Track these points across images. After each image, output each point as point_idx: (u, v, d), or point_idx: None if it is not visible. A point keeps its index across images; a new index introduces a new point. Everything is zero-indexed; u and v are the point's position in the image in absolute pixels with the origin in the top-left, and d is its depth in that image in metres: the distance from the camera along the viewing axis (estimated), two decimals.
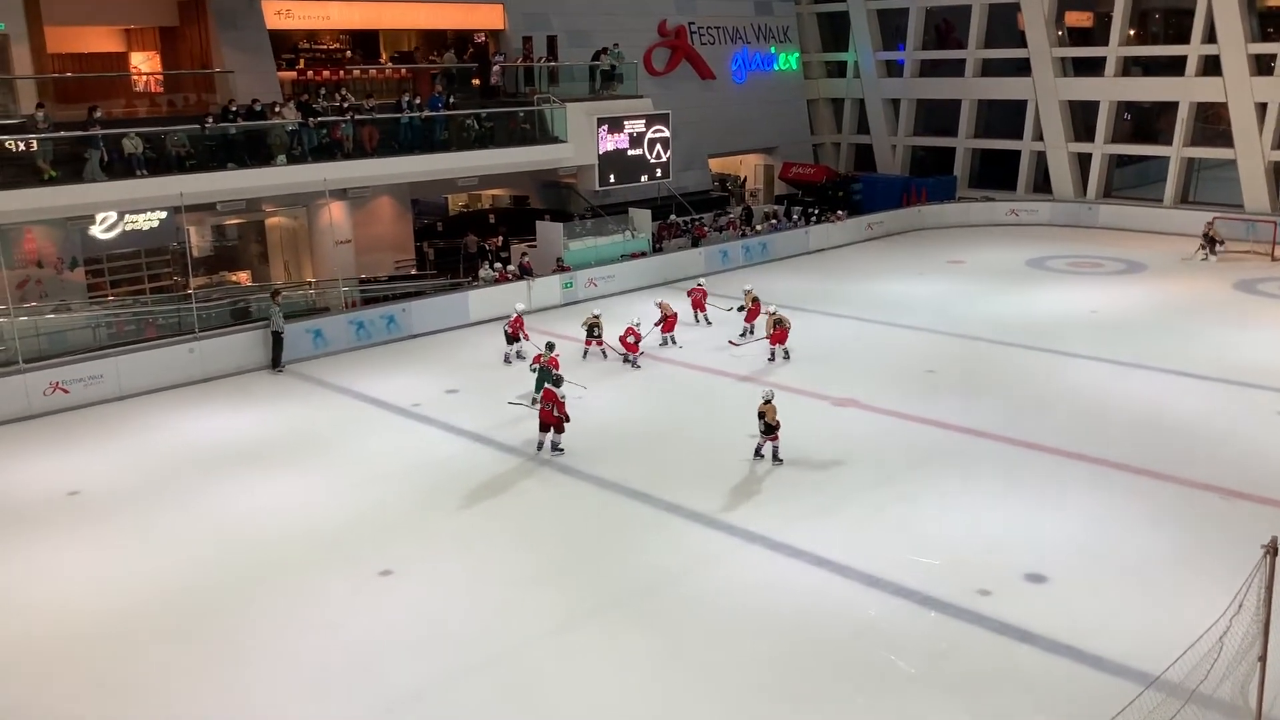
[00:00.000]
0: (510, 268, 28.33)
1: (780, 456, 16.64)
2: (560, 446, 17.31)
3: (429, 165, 27.69)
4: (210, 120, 24.22)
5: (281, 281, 27.69)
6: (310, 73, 29.67)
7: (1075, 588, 12.57)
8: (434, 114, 27.74)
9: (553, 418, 17.18)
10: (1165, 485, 15.41)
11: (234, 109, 24.61)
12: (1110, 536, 13.89)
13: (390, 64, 32.24)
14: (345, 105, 26.59)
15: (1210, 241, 31.08)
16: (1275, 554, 6.69)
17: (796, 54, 43.17)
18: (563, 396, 17.23)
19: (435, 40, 32.79)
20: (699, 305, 25.60)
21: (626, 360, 22.25)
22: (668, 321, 23.50)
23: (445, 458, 17.36)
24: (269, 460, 17.37)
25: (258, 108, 25.04)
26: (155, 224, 23.64)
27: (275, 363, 22.45)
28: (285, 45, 29.61)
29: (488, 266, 28.08)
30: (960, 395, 19.65)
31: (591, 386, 20.59)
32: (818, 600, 12.47)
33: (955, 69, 41.51)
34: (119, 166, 22.41)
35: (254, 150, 24.66)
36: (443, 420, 19.06)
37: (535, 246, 29.96)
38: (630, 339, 22.29)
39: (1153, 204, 37.21)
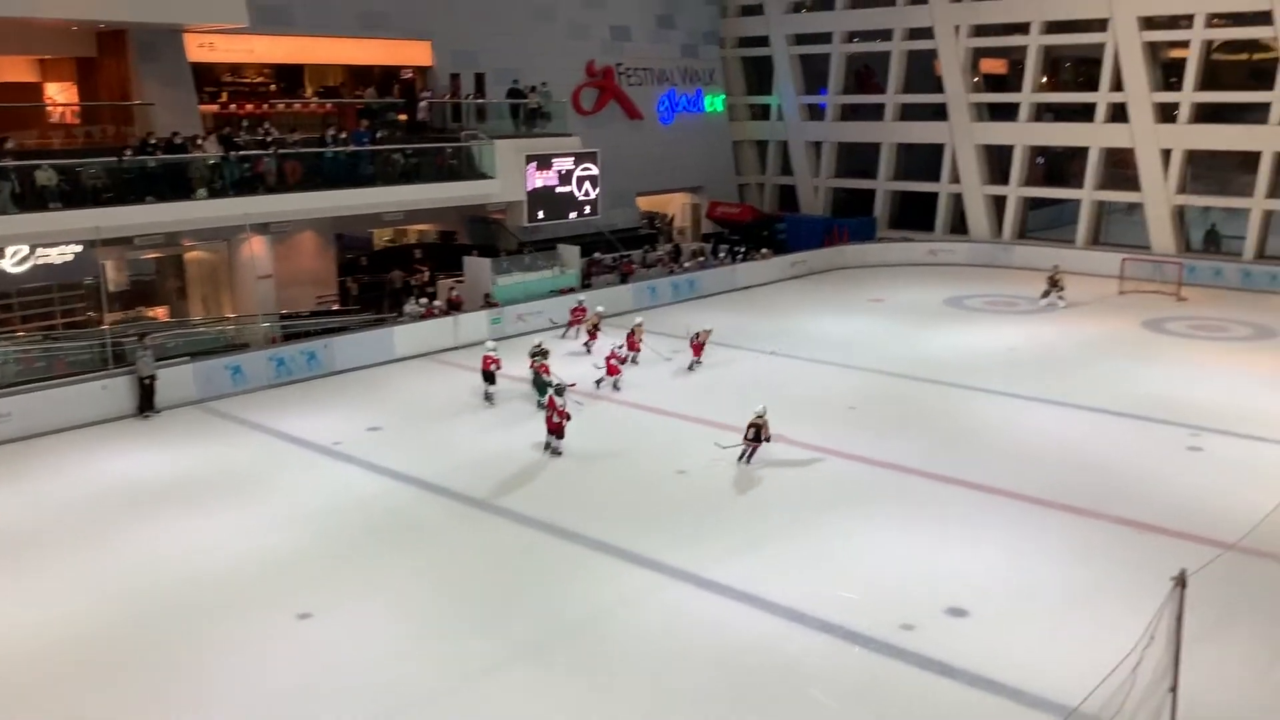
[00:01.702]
0: (437, 303, 28.14)
1: (749, 461, 18.08)
2: (559, 450, 18.67)
3: (354, 200, 27.47)
4: (128, 152, 23.73)
5: (198, 317, 27.11)
6: (233, 106, 29.28)
7: (995, 621, 12.78)
8: (359, 149, 27.54)
9: (552, 423, 18.49)
10: (1081, 519, 15.78)
11: (153, 141, 24.16)
12: (1029, 570, 14.16)
13: (315, 99, 31.99)
14: (268, 139, 26.28)
15: (1054, 284, 31.65)
16: (1184, 586, 6.88)
17: (722, 96, 43.85)
18: (563, 404, 18.52)
19: (362, 76, 32.64)
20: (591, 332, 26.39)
21: (599, 383, 22.75)
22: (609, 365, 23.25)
23: (367, 497, 17.07)
24: (184, 500, 16.91)
25: (178, 140, 24.64)
26: (70, 258, 23.04)
27: (143, 408, 21.44)
28: (208, 78, 29.20)
29: (414, 302, 27.85)
30: (882, 431, 19.93)
31: (516, 424, 20.51)
32: (743, 636, 12.48)
33: (875, 113, 42.50)
34: (31, 199, 21.81)
35: (174, 184, 24.23)
36: (364, 459, 18.76)
37: (463, 282, 29.82)
38: (613, 361, 22.81)
39: (1065, 245, 38.36)
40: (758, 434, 18.15)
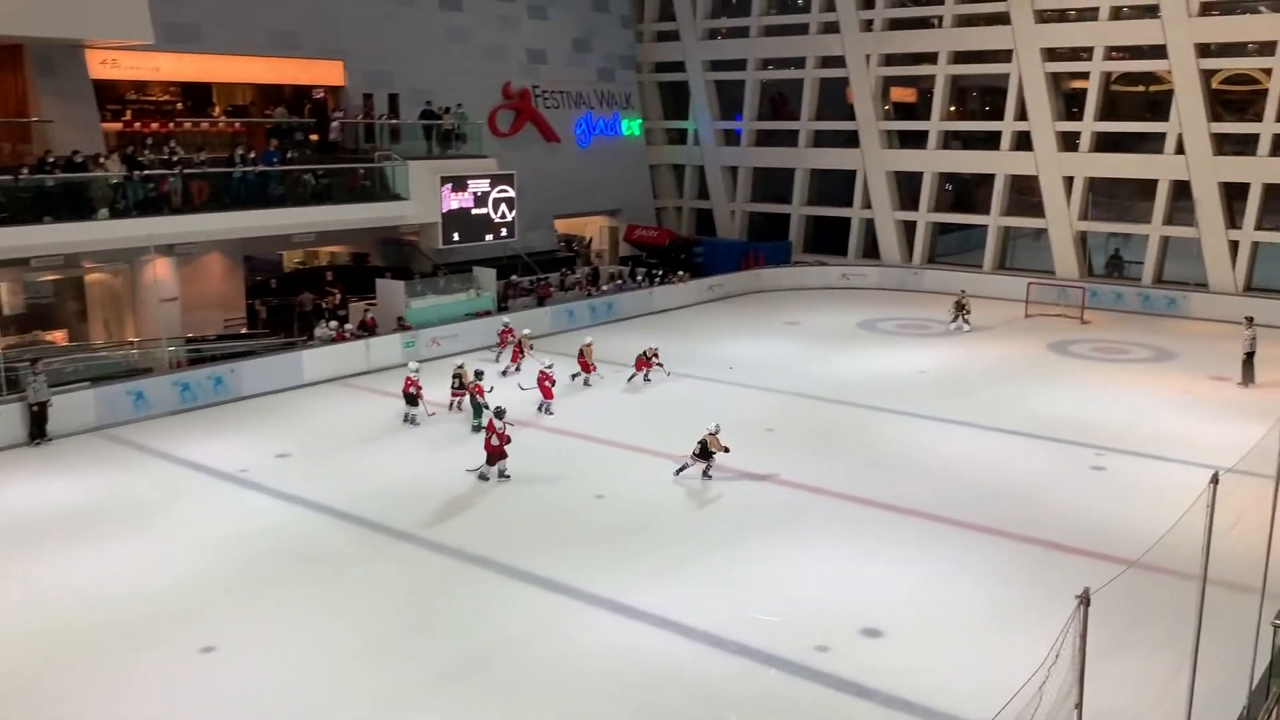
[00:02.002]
0: (348, 326, 27.67)
1: (710, 474, 18.48)
2: (505, 473, 18.21)
3: (262, 221, 26.91)
4: (25, 171, 22.92)
5: (100, 340, 26.23)
6: (138, 124, 28.50)
7: (909, 641, 12.90)
8: (269, 169, 27.02)
9: (491, 446, 18.05)
10: (990, 539, 16.07)
11: (52, 160, 23.36)
12: (941, 590, 14.34)
13: (224, 118, 31.33)
14: (174, 158, 25.63)
15: (960, 309, 32.39)
16: (1088, 604, 7.00)
17: (639, 120, 44.12)
18: (502, 426, 18.14)
19: (272, 95, 32.08)
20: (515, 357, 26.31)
21: (540, 408, 22.57)
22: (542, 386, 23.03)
23: (274, 526, 16.60)
24: (78, 531, 16.24)
25: (78, 159, 23.88)
26: None
27: (34, 436, 20.59)
28: (111, 96, 28.39)
29: (325, 325, 27.33)
30: (798, 453, 20.09)
31: (431, 449, 20.23)
32: (661, 662, 12.40)
33: (789, 139, 43.18)
34: None
35: (73, 203, 23.47)
36: (273, 486, 18.27)
37: (375, 304, 29.38)
38: (547, 384, 22.60)
39: (973, 269, 39.34)
40: (704, 450, 18.33)
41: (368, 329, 27.25)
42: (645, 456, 19.71)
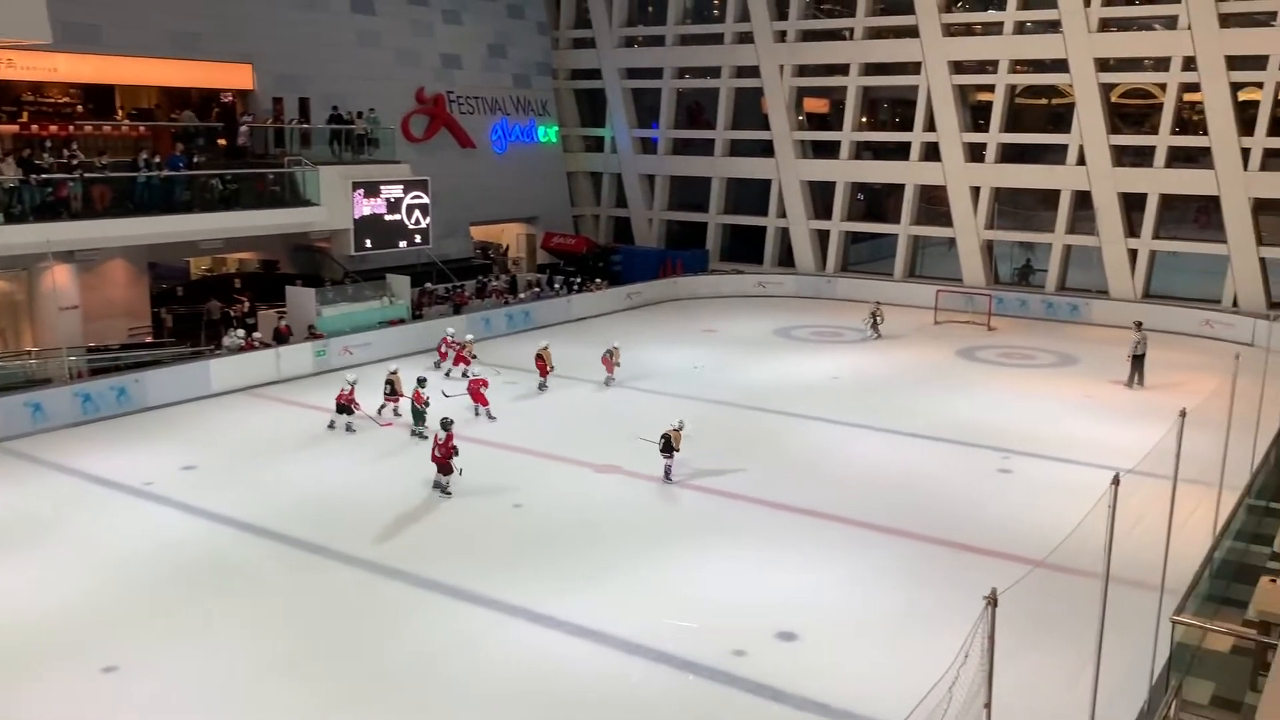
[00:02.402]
0: (257, 335, 27.07)
1: (672, 478, 18.68)
2: (448, 490, 17.82)
3: (168, 227, 26.20)
4: None
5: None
6: (35, 127, 27.49)
7: (823, 644, 13.06)
8: (174, 174, 26.31)
9: (435, 457, 17.70)
10: (903, 541, 16.35)
11: None
12: (855, 592, 14.55)
13: (127, 121, 30.41)
14: (74, 162, 24.80)
15: (873, 318, 32.98)
16: (995, 604, 7.15)
17: (555, 127, 44.03)
18: (444, 438, 17.76)
19: (178, 98, 31.25)
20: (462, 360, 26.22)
21: (478, 413, 22.42)
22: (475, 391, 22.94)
23: (181, 540, 16.14)
24: None
25: None
26: None
27: None
28: (6, 97, 27.37)
29: (233, 334, 26.69)
30: (717, 460, 20.19)
31: (343, 460, 19.89)
32: (581, 671, 12.35)
33: (705, 148, 43.50)
34: None
35: None
36: (179, 500, 17.76)
37: (286, 313, 28.79)
38: (481, 389, 22.54)
39: (884, 277, 40.06)
40: (668, 445, 18.70)
41: (282, 337, 26.68)
42: (563, 465, 19.64)
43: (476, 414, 22.46)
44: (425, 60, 37.79)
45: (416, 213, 32.50)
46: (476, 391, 22.60)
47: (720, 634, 13.14)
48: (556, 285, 36.98)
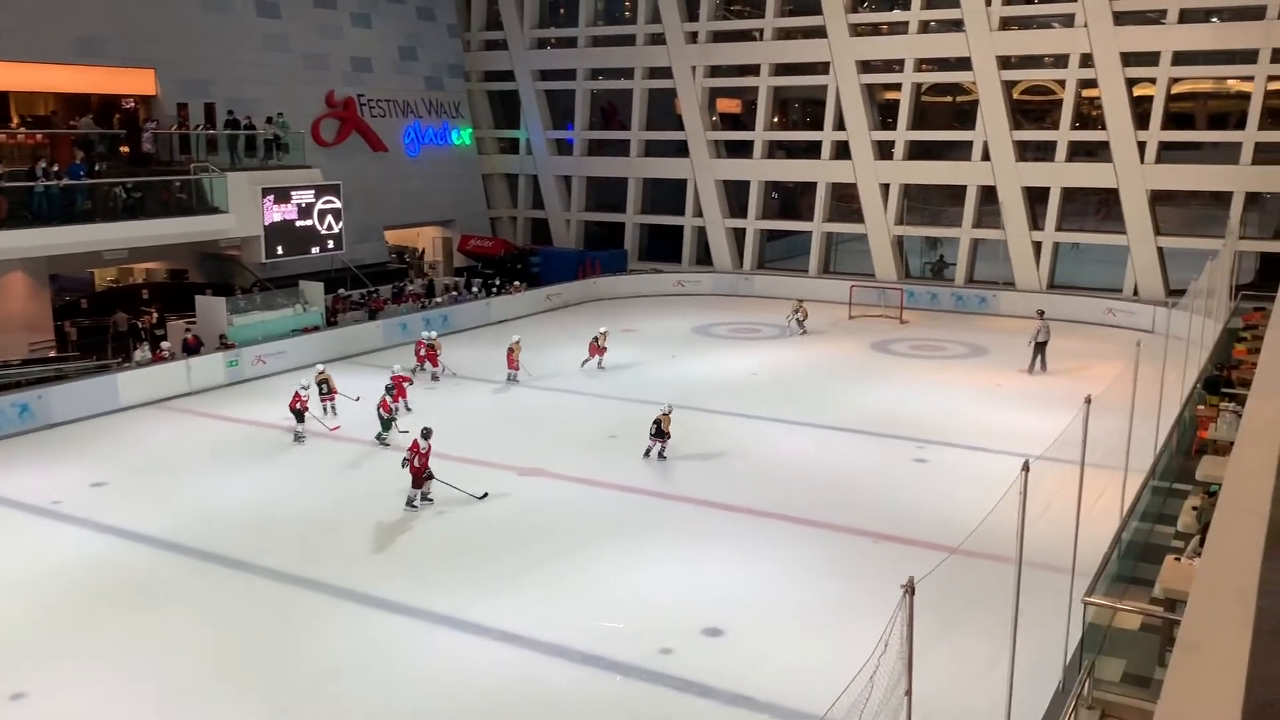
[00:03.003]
0: (166, 345, 26.39)
1: (665, 455, 19.81)
2: (414, 502, 17.48)
3: (68, 238, 25.36)
4: None
5: None
6: None
7: (749, 639, 13.19)
8: (74, 182, 25.50)
9: (414, 467, 17.39)
10: (822, 533, 16.60)
11: None
12: (778, 586, 14.73)
13: (23, 128, 29.35)
14: None
15: (795, 313, 33.61)
16: (913, 593, 7.30)
17: (469, 130, 43.70)
18: (426, 447, 17.55)
19: (78, 104, 30.28)
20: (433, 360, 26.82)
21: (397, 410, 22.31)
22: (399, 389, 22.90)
23: (91, 559, 15.67)
24: None
25: None
26: None
27: None
28: None
29: (141, 350, 25.93)
30: (637, 459, 20.26)
31: (259, 471, 19.50)
32: (507, 676, 12.30)
33: (621, 149, 43.59)
34: None
35: None
36: (89, 518, 17.24)
37: (195, 323, 28.09)
38: (405, 385, 22.70)
39: (799, 274, 40.59)
40: (659, 429, 19.58)
41: (191, 349, 26.04)
42: (483, 469, 19.50)
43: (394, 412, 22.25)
44: (334, 63, 37.21)
45: (329, 218, 31.98)
46: (400, 386, 22.69)
47: (646, 633, 13.20)
48: (475, 288, 36.74)
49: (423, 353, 27.18)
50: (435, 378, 26.51)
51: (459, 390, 25.13)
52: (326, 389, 22.95)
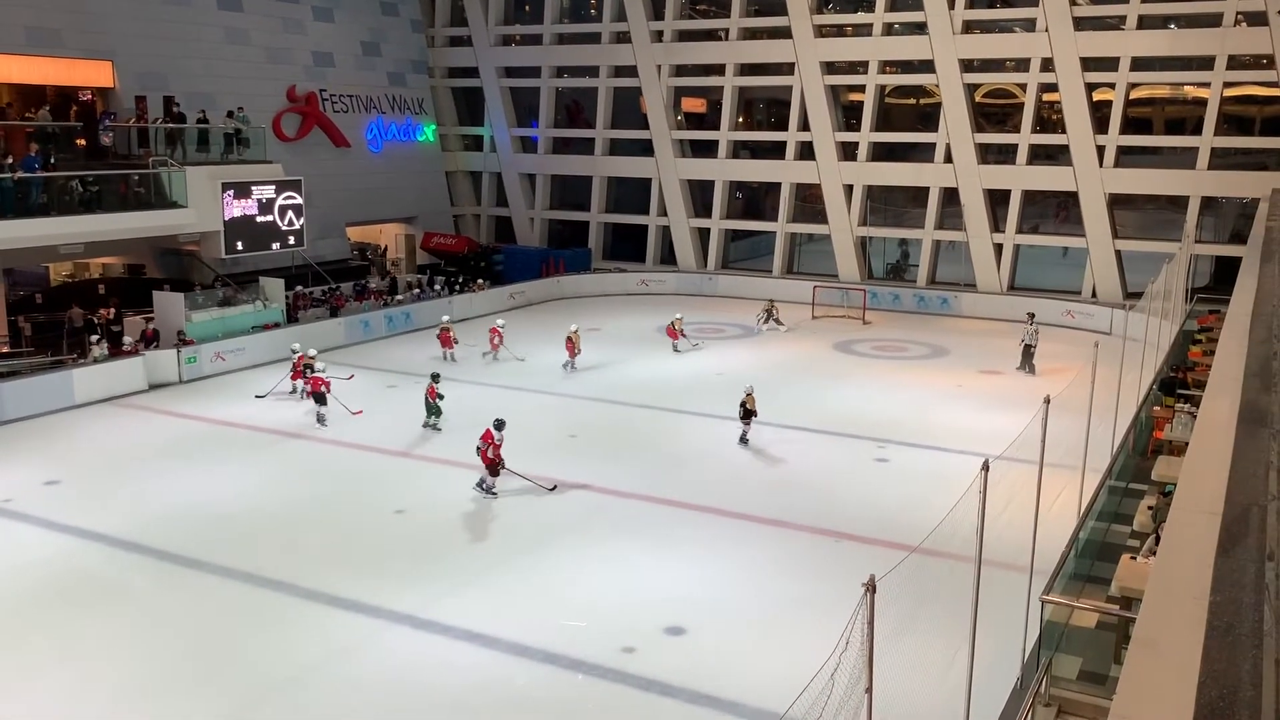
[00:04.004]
0: (127, 339, 26.02)
1: (747, 439, 20.58)
2: (491, 488, 17.77)
3: (23, 231, 24.94)
4: None
5: None
6: None
7: (711, 637, 13.20)
8: (29, 175, 25.06)
9: (488, 458, 17.48)
10: (785, 532, 16.65)
11: None
12: (741, 585, 14.75)
13: None
14: None
15: (768, 314, 33.93)
16: (873, 591, 7.33)
17: (433, 126, 43.46)
18: (501, 438, 17.76)
19: (33, 96, 29.75)
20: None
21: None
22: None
23: (44, 559, 15.40)
24: None
25: None
26: None
27: None
28: None
29: (98, 345, 25.53)
30: (602, 458, 20.25)
31: (217, 470, 19.27)
32: (469, 675, 12.22)
33: (586, 147, 43.53)
34: None
35: None
36: (42, 517, 16.95)
37: (153, 318, 27.71)
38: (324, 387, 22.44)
39: (764, 274, 40.74)
40: (746, 413, 20.25)
41: (148, 340, 25.70)
42: (443, 467, 19.40)
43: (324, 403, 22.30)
44: (297, 58, 36.87)
45: (290, 214, 31.66)
46: (318, 384, 22.48)
47: (609, 631, 13.17)
48: (437, 286, 36.53)
49: (450, 339, 28.37)
50: (452, 359, 27.87)
51: (415, 391, 24.93)
52: (311, 370, 22.92)
